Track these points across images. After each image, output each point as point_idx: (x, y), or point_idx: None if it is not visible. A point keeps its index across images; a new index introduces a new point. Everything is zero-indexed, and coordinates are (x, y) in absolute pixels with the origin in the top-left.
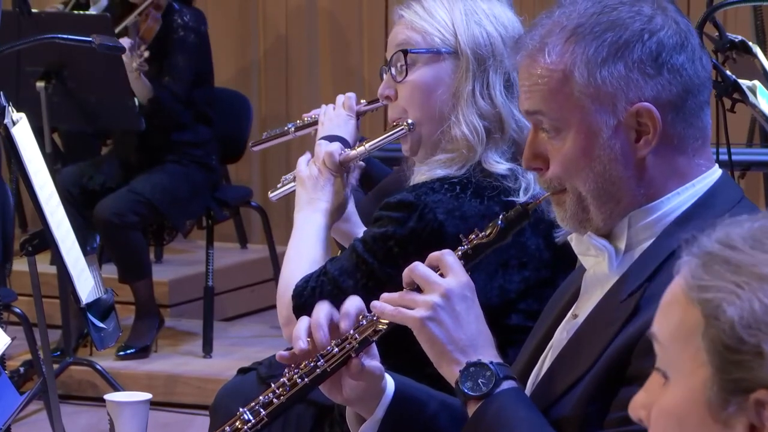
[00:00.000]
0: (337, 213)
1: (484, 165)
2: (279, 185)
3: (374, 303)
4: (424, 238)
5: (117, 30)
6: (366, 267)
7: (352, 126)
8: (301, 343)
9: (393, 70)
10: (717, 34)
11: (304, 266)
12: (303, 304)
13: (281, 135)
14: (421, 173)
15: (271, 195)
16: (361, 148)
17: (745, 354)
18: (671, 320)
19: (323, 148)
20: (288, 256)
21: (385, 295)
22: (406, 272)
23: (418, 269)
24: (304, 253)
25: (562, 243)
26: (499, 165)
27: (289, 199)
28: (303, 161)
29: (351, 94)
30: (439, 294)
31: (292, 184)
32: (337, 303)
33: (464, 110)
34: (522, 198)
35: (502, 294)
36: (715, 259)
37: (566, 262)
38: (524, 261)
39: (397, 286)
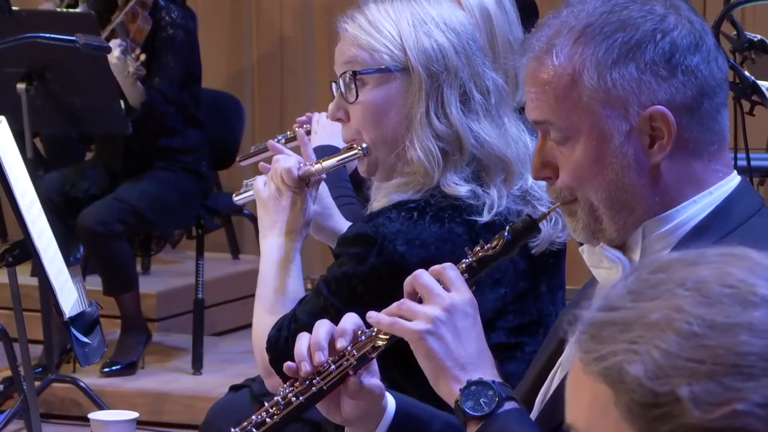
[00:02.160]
0: (304, 229)
1: (442, 188)
2: (243, 189)
3: (370, 313)
4: (385, 273)
5: (104, 34)
6: (333, 309)
7: None
8: (306, 366)
9: (343, 89)
10: (735, 33)
11: (277, 307)
12: (278, 356)
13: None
14: (378, 199)
15: (235, 198)
16: (318, 166)
17: (663, 406)
18: (582, 405)
19: (281, 163)
20: (258, 296)
21: (385, 310)
22: (408, 280)
23: (423, 278)
24: (273, 290)
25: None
26: (459, 187)
27: None
28: (260, 180)
29: None
30: (442, 308)
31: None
32: None
33: (418, 133)
34: (486, 216)
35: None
36: (602, 327)
37: (545, 267)
38: (498, 278)
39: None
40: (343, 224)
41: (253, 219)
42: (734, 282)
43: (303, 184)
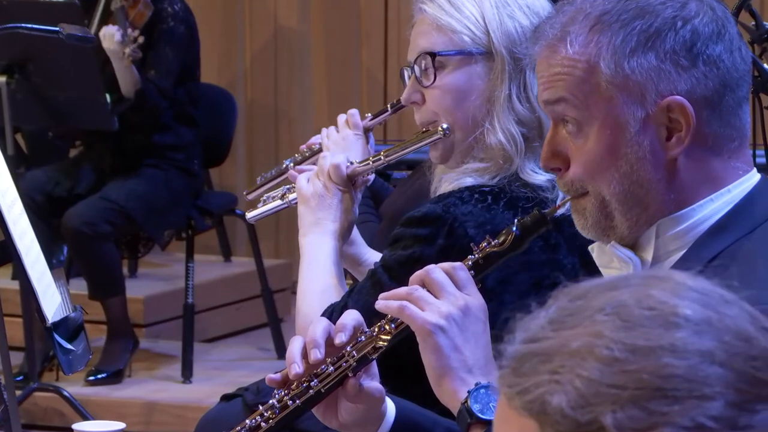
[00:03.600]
0: (347, 232)
1: (520, 175)
2: (260, 204)
3: (378, 301)
4: (453, 256)
5: (94, 22)
6: None
7: (361, 146)
8: (296, 367)
9: (418, 72)
10: (753, 23)
11: (321, 298)
12: None
13: (278, 175)
14: (449, 182)
15: (248, 216)
16: (377, 158)
17: None
18: None
19: (328, 160)
20: (301, 290)
21: (390, 292)
22: (419, 273)
23: (436, 274)
24: (318, 284)
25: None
26: (537, 176)
27: None
28: (303, 177)
29: (353, 111)
30: (457, 307)
31: (278, 203)
32: None
33: (500, 116)
34: (560, 210)
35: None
36: (523, 359)
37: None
38: (560, 281)
39: None
40: (365, 252)
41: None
42: (654, 304)
43: (350, 183)
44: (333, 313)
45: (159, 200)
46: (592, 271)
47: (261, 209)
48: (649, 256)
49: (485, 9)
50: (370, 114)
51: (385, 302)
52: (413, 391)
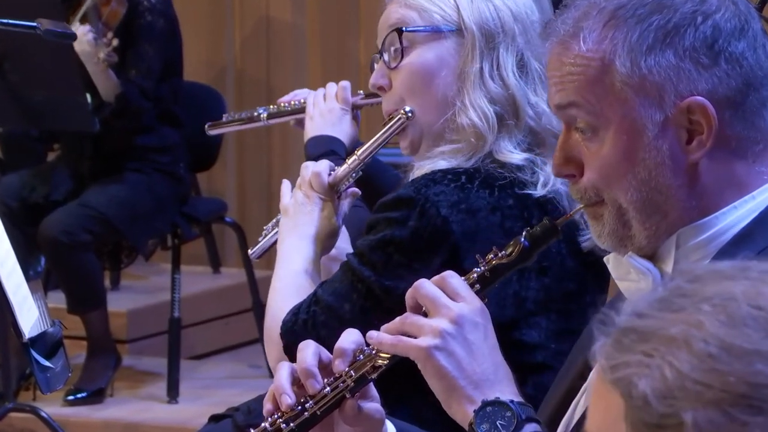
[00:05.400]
0: (328, 241)
1: (495, 155)
2: (261, 238)
3: (370, 333)
4: (426, 238)
5: (76, 19)
6: (363, 284)
7: (347, 123)
8: (287, 399)
9: (386, 55)
10: None
11: (294, 297)
12: (295, 341)
13: (247, 121)
14: (422, 168)
15: (251, 253)
16: (353, 159)
17: (667, 429)
18: (598, 413)
19: (310, 168)
20: (273, 290)
21: (384, 326)
22: (410, 293)
23: (425, 288)
24: (290, 283)
25: (591, 252)
26: (513, 155)
27: (270, 215)
28: (286, 192)
29: (345, 84)
30: (449, 319)
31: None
32: (335, 335)
33: (471, 94)
34: (540, 191)
35: (518, 303)
36: (625, 333)
37: (596, 273)
38: (545, 266)
39: (398, 302)
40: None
41: (236, 227)
42: (765, 304)
43: (333, 192)
44: (298, 312)
45: (142, 207)
46: (583, 260)
47: (262, 243)
48: (669, 267)
49: None
50: (362, 92)
51: (378, 337)
52: (415, 412)
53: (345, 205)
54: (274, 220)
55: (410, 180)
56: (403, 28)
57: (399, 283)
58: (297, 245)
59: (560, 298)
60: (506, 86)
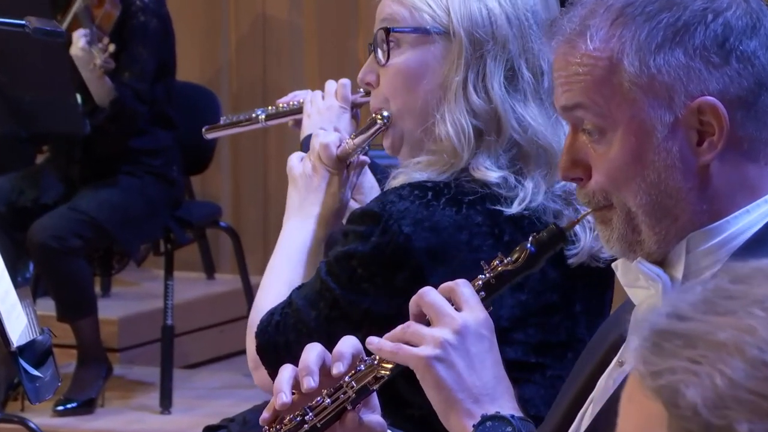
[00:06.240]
0: (334, 218)
1: (471, 172)
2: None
3: (370, 339)
4: (388, 255)
5: (64, 24)
6: (329, 294)
7: (346, 121)
8: (283, 396)
9: (378, 51)
10: None
11: (281, 292)
12: (267, 343)
13: (245, 123)
14: (398, 177)
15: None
16: (349, 142)
17: None
18: (632, 421)
19: (320, 139)
20: (265, 277)
21: (387, 334)
22: (414, 300)
23: (430, 296)
24: (284, 274)
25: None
26: (489, 172)
27: (266, 219)
28: (296, 157)
29: (345, 81)
30: (452, 330)
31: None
32: (301, 340)
33: (451, 106)
34: (514, 209)
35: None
36: (665, 337)
37: (587, 282)
38: (519, 281)
39: (364, 316)
40: None
41: (231, 232)
42: None
43: (342, 165)
44: (274, 313)
45: (134, 211)
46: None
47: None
48: (679, 273)
49: None
50: (362, 90)
51: (378, 344)
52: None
53: (354, 175)
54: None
55: (383, 191)
56: (392, 28)
57: (362, 297)
58: (300, 227)
59: (539, 311)
60: (490, 99)
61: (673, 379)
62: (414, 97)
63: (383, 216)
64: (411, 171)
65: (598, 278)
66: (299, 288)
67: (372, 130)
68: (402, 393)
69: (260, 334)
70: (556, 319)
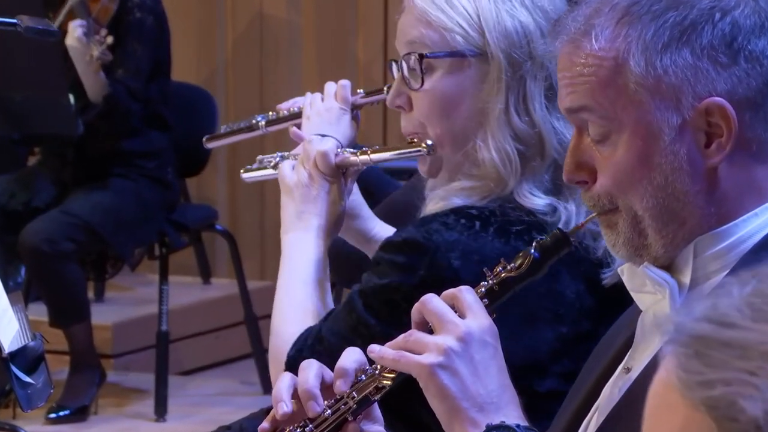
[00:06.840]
0: (334, 228)
1: (517, 199)
2: (255, 165)
3: (372, 347)
4: (434, 289)
5: (56, 22)
6: (367, 330)
7: (346, 123)
8: (284, 406)
9: (406, 72)
10: None
11: (298, 318)
12: None
13: (246, 130)
14: (435, 201)
15: (243, 174)
16: (365, 157)
17: None
18: (666, 429)
19: (314, 145)
20: (278, 302)
21: (389, 342)
22: (416, 307)
23: (432, 303)
24: (297, 295)
25: (614, 287)
26: (536, 199)
27: (263, 223)
28: (287, 165)
29: (345, 83)
30: (456, 337)
31: (272, 172)
32: None
33: (494, 132)
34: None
35: (531, 355)
36: (710, 345)
37: (612, 305)
38: (560, 313)
39: None
40: (374, 225)
41: (228, 236)
42: None
43: (339, 172)
44: (302, 349)
45: (128, 214)
46: (602, 297)
47: (256, 172)
48: (686, 278)
49: (481, 3)
50: (362, 90)
51: (379, 352)
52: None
53: (350, 183)
54: (276, 156)
55: (420, 217)
56: (426, 54)
57: (402, 331)
58: (302, 240)
59: (573, 341)
60: (533, 122)
61: (728, 391)
62: (452, 123)
63: (429, 247)
64: (450, 195)
65: (622, 294)
66: (327, 319)
67: (409, 152)
68: (404, 404)
69: (290, 369)
70: (584, 347)
